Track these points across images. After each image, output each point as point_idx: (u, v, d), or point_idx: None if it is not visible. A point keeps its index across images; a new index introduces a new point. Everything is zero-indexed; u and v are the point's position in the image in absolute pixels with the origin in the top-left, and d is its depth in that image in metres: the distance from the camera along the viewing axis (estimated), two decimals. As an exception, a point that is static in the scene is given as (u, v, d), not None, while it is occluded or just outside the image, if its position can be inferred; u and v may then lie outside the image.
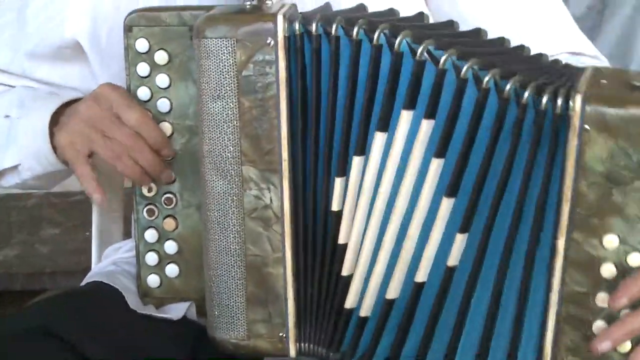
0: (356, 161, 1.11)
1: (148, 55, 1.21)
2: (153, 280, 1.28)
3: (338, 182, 1.12)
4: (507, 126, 1.05)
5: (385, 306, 1.15)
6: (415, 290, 1.13)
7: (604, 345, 1.03)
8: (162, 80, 1.22)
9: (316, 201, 1.15)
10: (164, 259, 1.27)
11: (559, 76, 1.08)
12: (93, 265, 1.49)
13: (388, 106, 1.09)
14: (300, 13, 1.14)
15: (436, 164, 1.08)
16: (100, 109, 1.21)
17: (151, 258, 1.27)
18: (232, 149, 1.14)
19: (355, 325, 1.17)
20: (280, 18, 1.12)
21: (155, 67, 1.21)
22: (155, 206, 1.25)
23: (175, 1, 1.31)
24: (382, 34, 1.09)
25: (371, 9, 1.21)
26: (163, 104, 1.22)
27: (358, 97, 1.11)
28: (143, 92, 1.22)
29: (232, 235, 1.16)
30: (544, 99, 1.02)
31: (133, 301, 1.27)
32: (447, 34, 1.15)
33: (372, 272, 1.14)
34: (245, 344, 1.19)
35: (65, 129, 1.25)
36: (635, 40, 2.14)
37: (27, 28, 1.38)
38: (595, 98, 1.00)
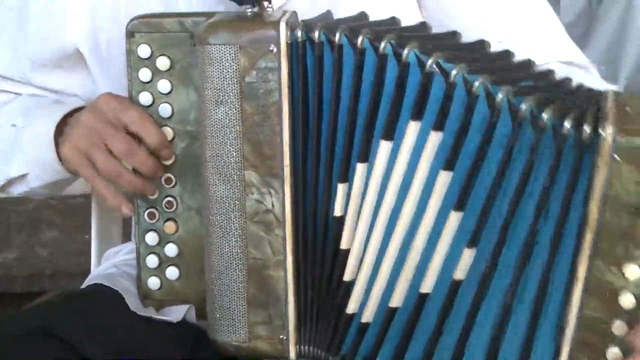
0: (359, 168, 1.12)
1: (150, 61, 1.22)
2: (153, 282, 1.29)
3: (340, 188, 1.13)
4: (521, 146, 1.04)
5: (388, 314, 1.16)
6: (419, 301, 1.14)
7: None
8: (163, 85, 1.23)
9: (317, 206, 1.15)
10: (165, 262, 1.28)
11: (574, 97, 1.08)
12: (92, 268, 1.50)
13: (394, 115, 1.10)
14: (302, 21, 1.15)
15: (444, 176, 1.09)
16: (99, 118, 1.22)
17: (152, 260, 1.28)
18: (234, 154, 1.15)
19: (356, 330, 1.18)
20: (283, 25, 1.13)
21: (157, 73, 1.22)
22: (156, 209, 1.26)
23: (176, 8, 1.32)
24: (388, 44, 1.09)
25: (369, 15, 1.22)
26: (164, 109, 1.23)
27: (361, 105, 1.11)
28: (145, 97, 1.23)
29: (233, 239, 1.17)
30: (566, 124, 1.01)
31: (133, 303, 1.28)
32: (452, 45, 1.16)
33: (375, 279, 1.15)
34: (246, 346, 1.19)
35: (69, 140, 1.26)
36: (624, 47, 2.16)
37: (28, 37, 1.39)
38: (627, 129, 0.99)
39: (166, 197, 1.26)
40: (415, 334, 1.15)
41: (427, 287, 1.13)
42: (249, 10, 1.21)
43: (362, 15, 1.20)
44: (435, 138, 1.08)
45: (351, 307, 1.17)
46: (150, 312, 1.28)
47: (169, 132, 1.23)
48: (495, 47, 1.17)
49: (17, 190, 1.39)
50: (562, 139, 1.01)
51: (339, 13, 1.24)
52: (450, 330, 1.13)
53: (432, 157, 1.09)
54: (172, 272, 1.28)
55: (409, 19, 1.22)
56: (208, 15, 1.19)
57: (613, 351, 1.04)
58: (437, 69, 1.07)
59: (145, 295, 1.29)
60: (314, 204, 1.16)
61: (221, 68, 1.13)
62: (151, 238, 1.27)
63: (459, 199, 1.08)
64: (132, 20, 1.22)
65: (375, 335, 1.17)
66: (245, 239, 1.17)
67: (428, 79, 1.08)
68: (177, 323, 1.28)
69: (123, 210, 1.24)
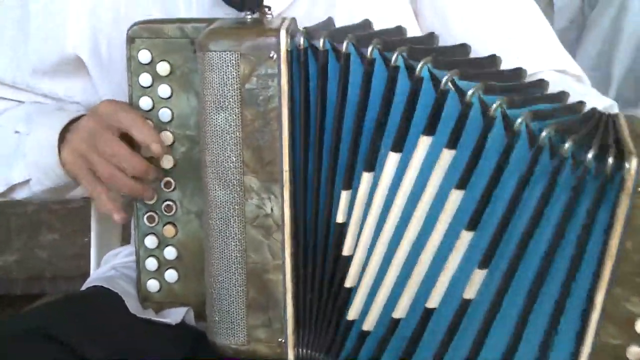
0: (365, 177, 1.13)
1: (150, 66, 1.23)
2: (153, 285, 1.30)
3: (344, 195, 1.14)
4: (538, 171, 1.05)
5: (391, 324, 1.16)
6: (424, 315, 1.14)
7: None
8: (163, 90, 1.24)
9: (318, 212, 1.16)
10: (164, 265, 1.29)
11: (588, 122, 1.09)
12: (92, 270, 1.51)
13: (404, 129, 1.10)
14: (305, 28, 1.15)
15: (456, 195, 1.09)
16: (98, 122, 1.23)
17: (151, 263, 1.29)
18: (234, 159, 1.15)
19: (356, 336, 1.19)
20: (283, 33, 1.13)
21: (157, 78, 1.23)
22: (156, 213, 1.27)
23: (175, 14, 1.33)
24: (400, 56, 1.10)
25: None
26: (164, 114, 1.24)
27: (368, 115, 1.12)
28: (145, 102, 1.24)
29: (233, 243, 1.17)
30: (589, 155, 1.01)
31: (133, 305, 1.29)
32: (463, 60, 1.16)
33: (378, 288, 1.15)
34: (245, 348, 1.20)
35: (69, 146, 1.27)
36: (616, 52, 2.16)
37: (29, 44, 1.39)
38: None
39: (165, 201, 1.26)
40: (419, 348, 1.16)
41: (433, 302, 1.13)
42: (249, 16, 1.23)
43: (366, 24, 1.21)
44: (447, 156, 1.09)
45: (352, 314, 1.18)
46: (150, 314, 1.29)
47: (168, 136, 1.24)
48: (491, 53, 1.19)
49: (19, 195, 1.40)
50: (584, 170, 1.02)
51: (336, 20, 1.25)
52: (458, 349, 1.13)
53: (443, 174, 1.10)
54: (171, 275, 1.29)
55: (405, 26, 1.23)
56: (208, 21, 1.20)
57: None
58: (452, 87, 1.08)
59: (144, 297, 1.30)
60: (315, 210, 1.16)
61: (222, 74, 1.14)
62: (150, 241, 1.28)
63: (471, 219, 1.09)
64: (132, 25, 1.23)
65: (376, 343, 1.18)
66: (244, 243, 1.17)
67: (442, 96, 1.08)
68: (176, 325, 1.29)
69: (114, 217, 1.24)
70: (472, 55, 1.19)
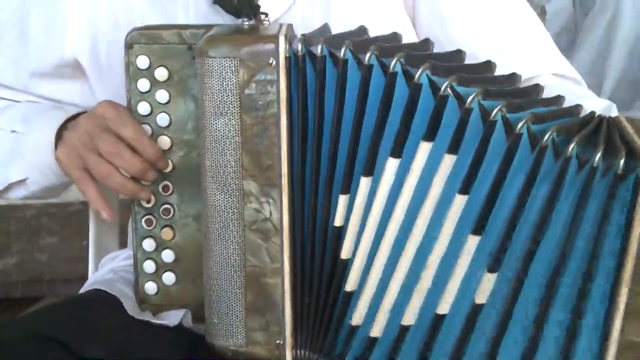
0: (363, 181, 1.13)
1: (148, 72, 1.24)
2: (150, 287, 1.30)
3: (342, 199, 1.14)
4: (542, 173, 1.05)
5: (400, 331, 1.16)
6: (435, 321, 1.14)
7: None
8: (161, 95, 1.24)
9: (316, 216, 1.17)
10: (161, 267, 1.29)
11: (590, 124, 1.09)
12: (90, 274, 1.51)
13: (403, 134, 1.11)
14: (303, 35, 1.16)
15: (460, 200, 1.09)
16: (96, 123, 1.23)
17: (149, 266, 1.29)
18: (233, 164, 1.16)
19: (364, 342, 1.18)
20: (282, 39, 1.14)
21: (155, 83, 1.24)
22: (154, 216, 1.28)
23: (174, 19, 1.33)
24: (398, 63, 1.10)
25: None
26: (162, 119, 1.25)
27: (366, 120, 1.12)
28: (143, 107, 1.25)
29: (232, 247, 1.18)
30: (597, 155, 1.01)
31: (131, 307, 1.30)
32: (460, 66, 1.17)
33: (383, 294, 1.15)
34: (244, 350, 1.21)
35: (65, 143, 1.28)
36: (609, 58, 2.18)
37: (28, 48, 1.40)
38: None
39: (163, 204, 1.27)
40: (433, 354, 1.15)
41: (444, 308, 1.13)
42: (246, 23, 1.24)
43: (362, 30, 1.22)
44: (449, 161, 1.10)
45: (355, 319, 1.18)
46: (147, 317, 1.30)
47: (166, 141, 1.25)
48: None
49: (15, 195, 1.41)
50: (592, 170, 1.02)
51: (332, 26, 1.25)
52: (472, 355, 1.13)
53: (445, 179, 1.10)
54: (168, 277, 1.30)
55: (400, 32, 1.24)
56: (206, 27, 1.21)
57: None
58: (451, 93, 1.09)
59: (142, 299, 1.31)
60: (312, 214, 1.17)
61: (221, 80, 1.15)
62: (148, 244, 1.29)
63: (477, 224, 1.09)
64: (131, 31, 1.24)
65: (387, 349, 1.17)
66: (243, 246, 1.18)
67: (442, 102, 1.09)
68: (174, 327, 1.30)
69: (102, 215, 1.25)
70: (472, 60, 1.20)
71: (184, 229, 1.28)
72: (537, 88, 1.17)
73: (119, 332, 1.27)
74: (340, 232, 1.16)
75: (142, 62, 1.24)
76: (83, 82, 1.40)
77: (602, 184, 1.03)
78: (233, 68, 1.15)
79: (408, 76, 1.11)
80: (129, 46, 1.24)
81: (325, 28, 1.24)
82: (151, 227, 1.28)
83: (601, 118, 1.11)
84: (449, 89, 1.09)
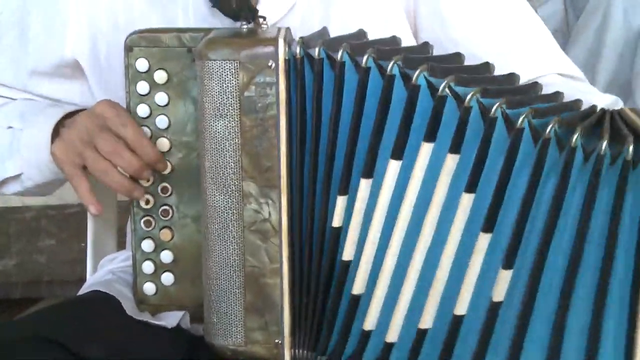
0: (363, 183, 1.14)
1: (148, 75, 1.25)
2: (149, 287, 1.31)
3: (340, 200, 1.15)
4: (547, 166, 1.05)
5: (418, 335, 1.16)
6: (454, 323, 1.13)
7: None
8: (161, 98, 1.25)
9: (314, 216, 1.17)
10: (160, 268, 1.30)
11: (591, 117, 1.09)
12: (88, 275, 1.51)
13: (403, 136, 1.11)
14: (301, 37, 1.17)
15: (467, 199, 1.09)
16: (94, 121, 1.23)
17: (147, 267, 1.30)
18: (233, 165, 1.17)
19: (380, 347, 1.18)
20: (281, 42, 1.15)
21: (154, 86, 1.25)
22: (153, 217, 1.28)
23: (173, 22, 1.34)
24: (395, 65, 1.11)
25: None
26: (161, 121, 1.25)
27: (365, 122, 1.13)
28: (142, 110, 1.25)
29: (231, 247, 1.19)
30: (604, 143, 1.01)
31: (130, 308, 1.30)
32: (458, 67, 1.17)
33: (396, 298, 1.16)
34: (243, 349, 1.21)
35: (62, 139, 1.28)
36: (601, 59, 2.19)
37: (28, 48, 1.40)
38: None
39: (162, 205, 1.28)
40: (454, 356, 1.15)
41: (461, 309, 1.13)
42: (245, 26, 1.25)
43: (361, 33, 1.22)
44: (451, 161, 1.10)
45: (368, 323, 1.18)
46: (146, 317, 1.30)
47: (165, 143, 1.26)
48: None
49: (10, 190, 1.41)
50: (599, 159, 1.02)
51: (330, 30, 1.26)
52: (495, 354, 1.12)
53: (449, 178, 1.11)
54: (167, 278, 1.30)
55: (399, 36, 1.25)
56: (205, 31, 1.22)
57: None
58: (449, 93, 1.09)
59: (140, 300, 1.31)
60: (311, 214, 1.17)
61: (221, 83, 1.15)
62: (147, 245, 1.29)
63: (487, 221, 1.09)
64: (131, 34, 1.25)
65: (405, 355, 1.17)
66: (242, 247, 1.19)
67: (440, 103, 1.10)
68: (172, 328, 1.30)
69: (91, 210, 1.25)
70: (473, 60, 1.20)
71: (182, 230, 1.29)
72: (535, 86, 1.17)
73: (118, 332, 1.27)
74: (339, 233, 1.17)
75: (142, 64, 1.25)
76: (83, 82, 1.41)
77: (611, 173, 1.02)
78: (233, 70, 1.15)
79: (406, 78, 1.11)
80: (128, 49, 1.25)
81: (324, 31, 1.25)
82: (150, 228, 1.29)
83: (604, 110, 1.11)
84: (447, 89, 1.09)
